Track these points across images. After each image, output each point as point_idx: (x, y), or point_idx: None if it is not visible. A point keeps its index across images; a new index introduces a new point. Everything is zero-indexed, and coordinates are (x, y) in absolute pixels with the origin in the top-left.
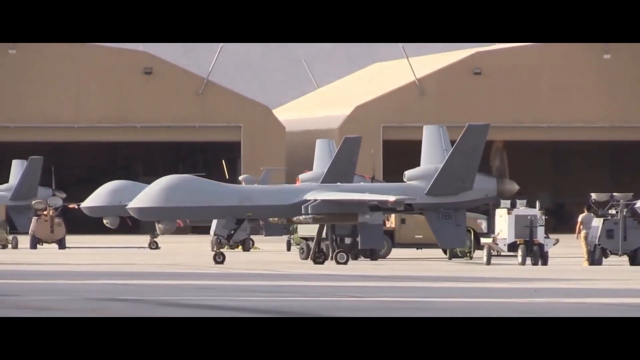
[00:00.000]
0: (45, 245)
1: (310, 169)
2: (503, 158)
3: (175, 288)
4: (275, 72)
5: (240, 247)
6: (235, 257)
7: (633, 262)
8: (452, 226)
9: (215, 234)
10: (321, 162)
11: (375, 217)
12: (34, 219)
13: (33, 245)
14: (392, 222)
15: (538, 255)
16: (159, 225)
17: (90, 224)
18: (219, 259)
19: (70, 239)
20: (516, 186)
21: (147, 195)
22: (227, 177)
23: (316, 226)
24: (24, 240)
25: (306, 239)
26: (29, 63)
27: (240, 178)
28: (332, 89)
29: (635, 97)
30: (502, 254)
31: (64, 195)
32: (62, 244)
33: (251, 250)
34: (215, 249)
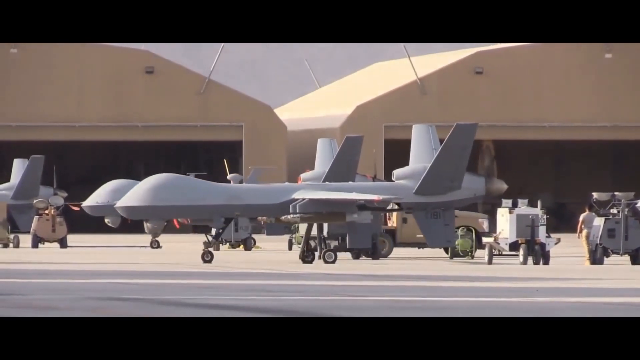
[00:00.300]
0: (46, 244)
1: (312, 168)
2: (491, 157)
3: (177, 287)
4: (277, 72)
5: (241, 246)
6: (237, 257)
7: (634, 261)
8: (440, 225)
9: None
10: (323, 161)
11: (363, 217)
12: (36, 218)
13: (34, 245)
14: (393, 221)
15: (539, 254)
16: (147, 224)
17: (91, 223)
18: (207, 257)
19: (72, 238)
20: (504, 185)
21: (135, 195)
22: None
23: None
24: (26, 240)
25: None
26: (30, 62)
27: (228, 177)
28: (333, 89)
29: (636, 96)
30: (504, 253)
31: (66, 195)
32: (63, 243)
33: (253, 249)
34: (204, 248)
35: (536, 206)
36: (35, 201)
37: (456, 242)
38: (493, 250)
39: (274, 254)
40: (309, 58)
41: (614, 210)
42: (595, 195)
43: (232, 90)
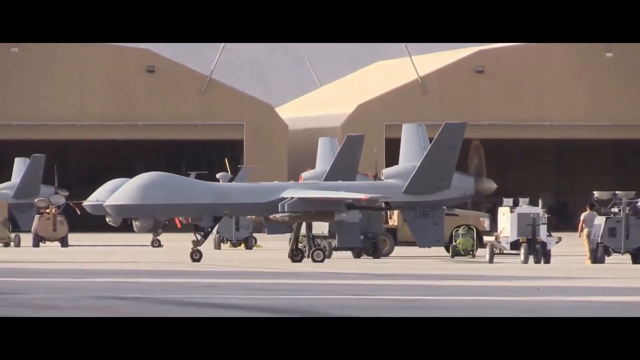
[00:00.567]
0: (47, 243)
1: (313, 167)
2: (481, 157)
3: (178, 286)
4: (278, 71)
5: (243, 245)
6: (238, 255)
7: (635, 260)
8: (429, 225)
9: (217, 232)
10: (324, 160)
11: (352, 216)
12: (37, 217)
13: (35, 244)
14: (394, 220)
15: (540, 253)
16: (136, 222)
17: (92, 222)
18: (196, 256)
19: (73, 237)
20: (494, 185)
21: (124, 193)
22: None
23: (319, 224)
24: (27, 239)
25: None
26: (31, 61)
27: (217, 176)
28: (334, 88)
29: (637, 95)
30: (505, 252)
31: (67, 194)
32: (64, 242)
33: (254, 248)
34: (192, 247)
35: (537, 205)
36: (36, 200)
37: (457, 241)
38: (494, 249)
39: (274, 253)
40: (310, 57)
41: (615, 209)
42: (596, 194)
43: (233, 89)
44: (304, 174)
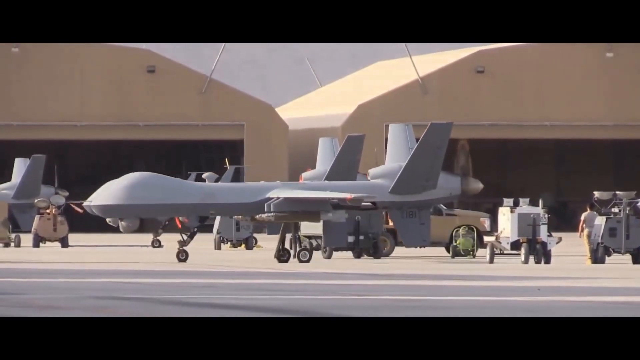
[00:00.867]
0: (48, 243)
1: (313, 167)
2: (467, 156)
3: (179, 286)
4: (279, 71)
5: (243, 245)
6: (238, 256)
7: (636, 260)
8: (416, 225)
9: (218, 233)
10: (324, 160)
11: (338, 215)
12: (37, 217)
13: (36, 244)
14: None
15: (541, 253)
16: (122, 222)
17: (92, 223)
18: (182, 256)
19: (73, 238)
20: (480, 185)
21: (109, 193)
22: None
23: (319, 225)
24: (27, 239)
25: (309, 237)
26: (32, 61)
27: (203, 176)
28: (335, 88)
29: (638, 95)
30: (505, 252)
31: (67, 194)
32: (64, 243)
33: (254, 248)
34: (179, 247)
35: (537, 205)
36: (36, 200)
37: (458, 242)
38: (494, 250)
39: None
40: (310, 57)
41: (616, 210)
42: (596, 194)
43: (233, 89)
44: (304, 174)
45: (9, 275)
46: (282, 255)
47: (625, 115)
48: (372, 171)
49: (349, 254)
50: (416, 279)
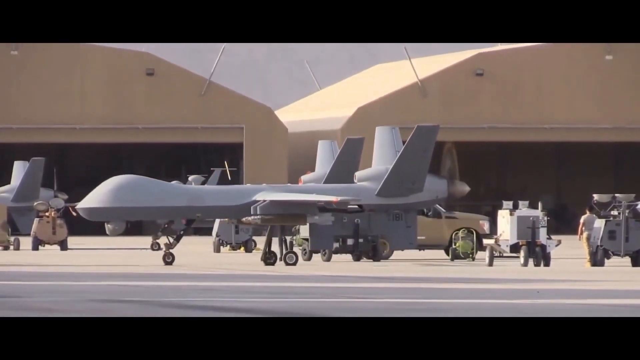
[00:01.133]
0: (47, 246)
1: (313, 170)
2: (453, 159)
3: (178, 289)
4: (278, 74)
5: (242, 248)
6: (238, 259)
7: (635, 263)
8: (402, 227)
9: (217, 235)
10: (323, 163)
11: (324, 218)
12: (36, 220)
13: (35, 247)
14: None
15: (540, 256)
16: (108, 225)
17: (92, 226)
18: (169, 259)
19: (72, 241)
20: (467, 187)
21: (95, 196)
22: (230, 178)
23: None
24: (26, 242)
25: (309, 240)
26: (31, 64)
27: (190, 179)
28: (334, 90)
29: (637, 98)
30: (505, 255)
31: (66, 197)
32: (64, 246)
33: (253, 251)
34: (165, 250)
35: (537, 208)
36: (35, 203)
37: (457, 244)
38: (494, 252)
39: None
40: (309, 60)
41: (615, 212)
42: (595, 197)
43: (232, 92)
44: (303, 177)
45: (8, 278)
46: (268, 258)
47: (624, 118)
48: (358, 174)
49: (349, 256)
50: (415, 282)
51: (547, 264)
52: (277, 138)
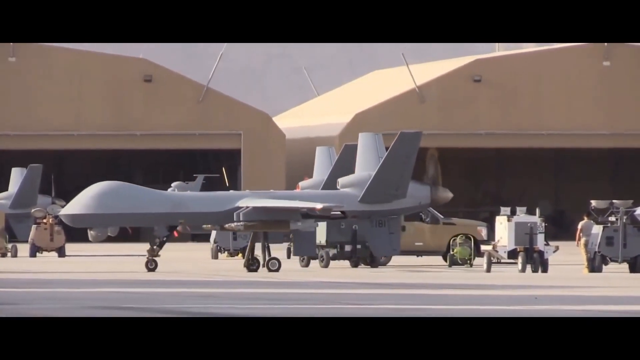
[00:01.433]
0: (44, 253)
1: (311, 176)
2: (437, 166)
3: (177, 296)
4: (276, 80)
5: (240, 255)
6: (236, 265)
7: (633, 269)
8: (385, 234)
9: (215, 242)
10: (321, 169)
11: (308, 225)
12: (34, 227)
13: (32, 254)
14: None
15: (538, 262)
16: (91, 232)
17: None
18: (151, 266)
19: (70, 247)
20: (450, 194)
21: (78, 202)
22: (228, 184)
23: (317, 233)
24: (24, 249)
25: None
26: (29, 71)
27: (172, 185)
28: (332, 97)
29: (635, 104)
30: (502, 261)
31: (64, 203)
32: (61, 252)
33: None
34: (148, 256)
35: (535, 214)
36: (33, 210)
37: (455, 250)
38: (492, 258)
39: None
40: (307, 66)
41: (613, 218)
42: (593, 203)
43: (230, 98)
44: (301, 183)
45: (6, 285)
46: (251, 265)
47: (622, 124)
48: (341, 180)
49: (346, 263)
50: (413, 288)
51: (544, 270)
52: (275, 144)
